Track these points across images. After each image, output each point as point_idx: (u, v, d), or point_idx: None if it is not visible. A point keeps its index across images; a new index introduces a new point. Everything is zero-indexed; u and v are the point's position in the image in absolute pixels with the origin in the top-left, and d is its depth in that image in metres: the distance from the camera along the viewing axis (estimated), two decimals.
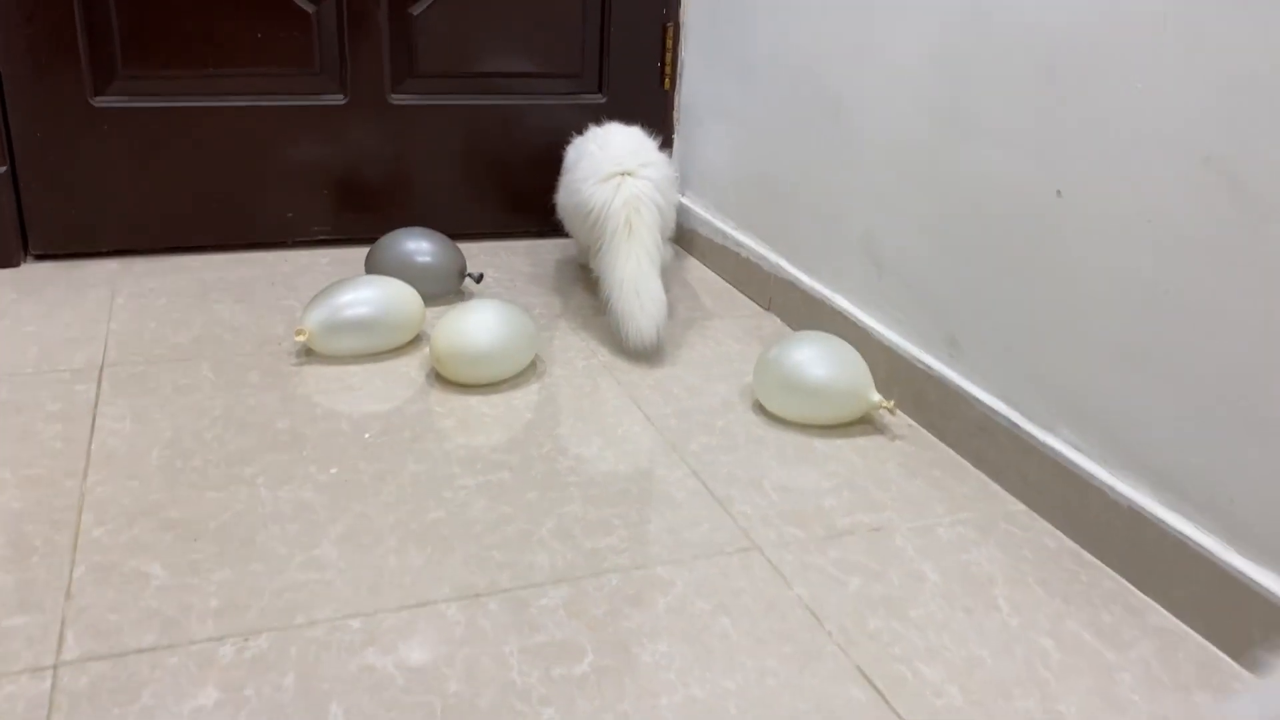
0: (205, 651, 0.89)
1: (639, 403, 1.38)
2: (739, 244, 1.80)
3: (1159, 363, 1.02)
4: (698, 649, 0.93)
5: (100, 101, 1.70)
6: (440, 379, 1.40)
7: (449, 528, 1.08)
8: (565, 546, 1.06)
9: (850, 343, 1.38)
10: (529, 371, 1.44)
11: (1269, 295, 0.91)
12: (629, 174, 1.51)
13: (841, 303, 1.52)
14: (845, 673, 0.91)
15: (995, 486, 1.22)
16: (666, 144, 1.98)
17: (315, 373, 1.41)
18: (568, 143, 1.74)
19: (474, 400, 1.36)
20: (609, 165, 1.52)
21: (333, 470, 1.18)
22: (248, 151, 1.79)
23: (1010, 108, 1.18)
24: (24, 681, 0.85)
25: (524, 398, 1.37)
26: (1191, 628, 1.00)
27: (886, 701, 0.89)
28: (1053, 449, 1.15)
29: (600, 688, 0.88)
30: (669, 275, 1.74)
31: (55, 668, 0.87)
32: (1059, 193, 1.12)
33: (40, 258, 1.76)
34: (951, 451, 1.29)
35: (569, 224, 1.70)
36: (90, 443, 1.20)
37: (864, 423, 1.35)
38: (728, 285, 1.84)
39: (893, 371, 1.39)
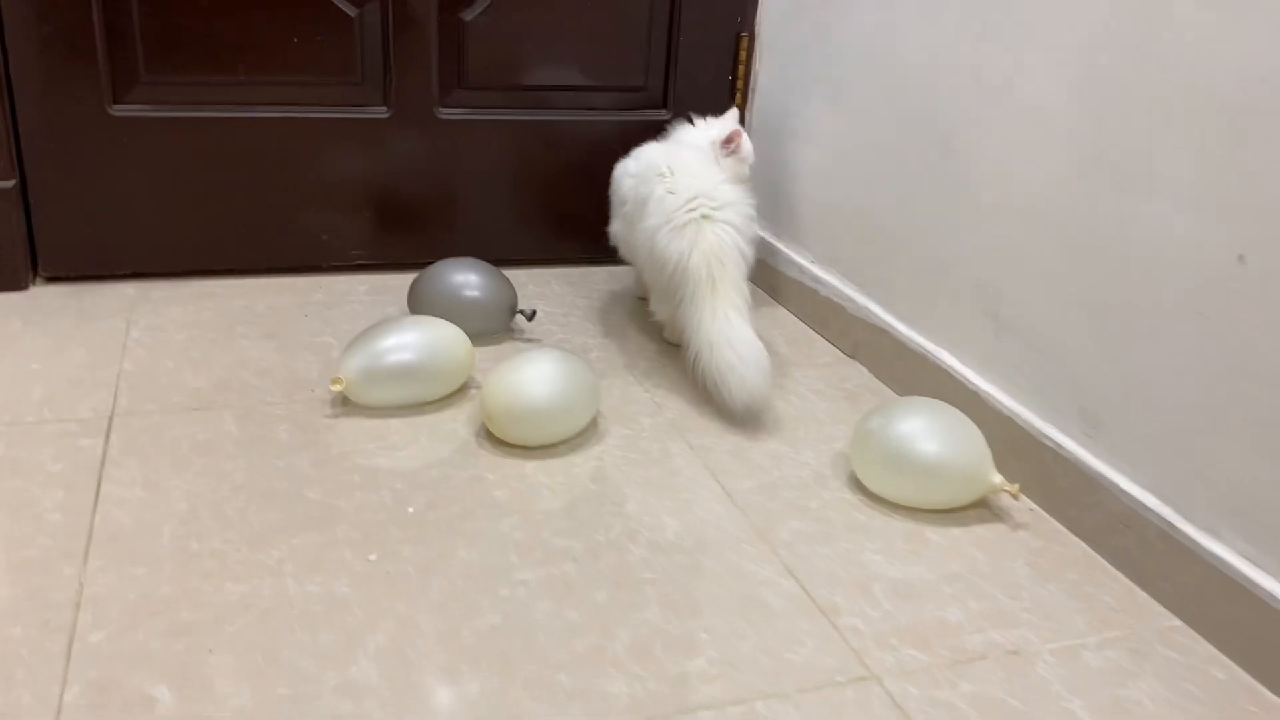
0: None
1: (715, 473, 1.21)
2: (817, 280, 1.63)
3: None
4: None
5: (119, 110, 1.55)
6: (491, 436, 1.24)
7: (507, 639, 0.91)
8: (645, 670, 0.89)
9: (959, 408, 1.20)
10: (589, 430, 1.28)
11: None
12: (706, 217, 1.34)
13: (947, 359, 1.34)
14: None
15: (1143, 595, 1.04)
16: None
17: (352, 427, 1.24)
18: None
19: (530, 467, 1.19)
20: (682, 212, 1.35)
21: (371, 557, 1.01)
22: (280, 167, 1.64)
23: (1179, 155, 0.99)
24: None
25: (585, 464, 1.21)
26: None
27: None
28: (1216, 555, 0.98)
29: None
30: None
31: None
32: (1241, 258, 0.94)
33: (51, 280, 1.61)
34: (1087, 547, 1.11)
35: (637, 264, 1.53)
36: (94, 515, 1.04)
37: (978, 506, 1.17)
38: (803, 326, 1.66)
39: (1011, 447, 1.21)
